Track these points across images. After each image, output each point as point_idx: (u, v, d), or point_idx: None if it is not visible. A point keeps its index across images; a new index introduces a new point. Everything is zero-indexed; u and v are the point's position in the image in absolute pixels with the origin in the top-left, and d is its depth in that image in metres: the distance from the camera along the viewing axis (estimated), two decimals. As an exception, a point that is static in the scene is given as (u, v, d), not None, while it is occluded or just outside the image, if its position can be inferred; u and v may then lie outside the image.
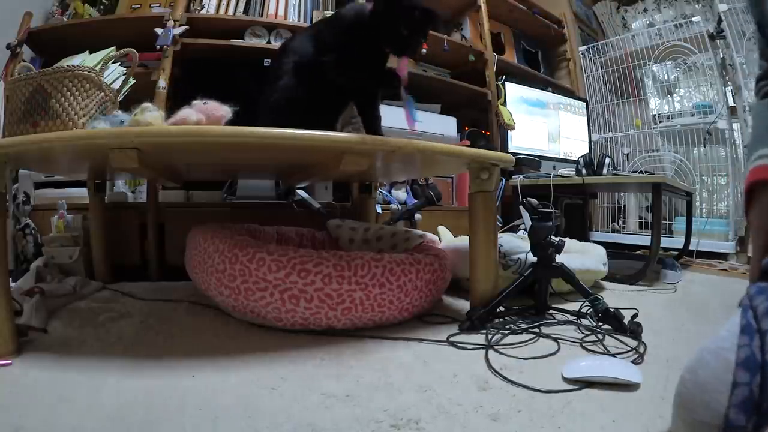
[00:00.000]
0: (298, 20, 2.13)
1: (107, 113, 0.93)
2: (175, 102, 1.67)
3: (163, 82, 1.79)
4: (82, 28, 1.85)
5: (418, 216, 1.91)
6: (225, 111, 0.82)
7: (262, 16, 2.09)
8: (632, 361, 0.83)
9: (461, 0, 2.60)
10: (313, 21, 2.13)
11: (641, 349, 0.89)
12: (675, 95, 2.82)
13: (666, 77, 2.83)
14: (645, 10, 3.10)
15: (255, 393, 0.71)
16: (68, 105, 0.84)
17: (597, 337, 0.97)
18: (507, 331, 1.02)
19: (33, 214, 1.62)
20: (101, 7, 2.01)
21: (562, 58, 3.08)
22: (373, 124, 1.21)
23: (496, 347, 0.91)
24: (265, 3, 2.12)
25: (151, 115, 0.77)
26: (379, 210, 1.92)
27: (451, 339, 0.97)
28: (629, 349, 0.89)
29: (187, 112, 0.78)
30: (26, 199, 1.58)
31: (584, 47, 3.03)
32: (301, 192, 1.84)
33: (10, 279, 1.39)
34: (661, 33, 2.75)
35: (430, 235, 1.51)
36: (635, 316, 1.03)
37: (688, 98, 2.76)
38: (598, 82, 2.97)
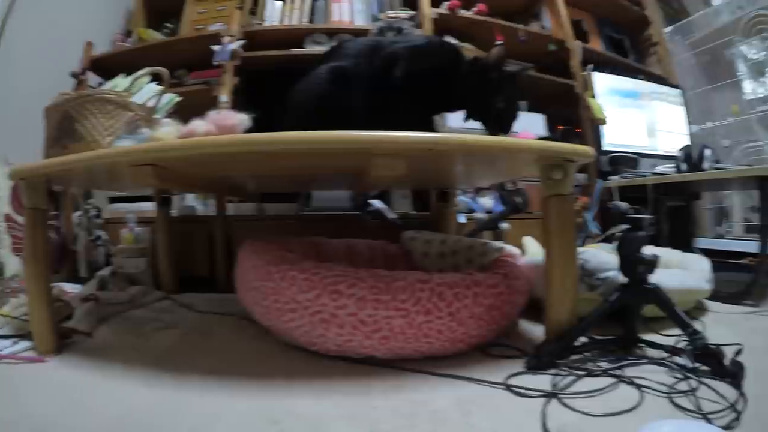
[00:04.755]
0: (362, 24, 2.09)
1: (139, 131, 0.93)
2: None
3: (224, 97, 1.83)
4: (145, 51, 1.96)
5: (504, 225, 1.74)
6: (239, 119, 0.77)
7: (326, 23, 2.09)
8: (728, 424, 0.63)
9: (533, -11, 2.41)
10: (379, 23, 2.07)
11: (740, 405, 0.68)
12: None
13: (756, 55, 2.37)
14: (721, -22, 2.67)
15: (250, 427, 0.66)
16: (91, 127, 0.89)
17: (689, 385, 0.76)
18: (582, 373, 0.83)
19: (106, 227, 1.72)
20: (165, 31, 2.11)
21: (648, 43, 2.75)
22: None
23: (561, 395, 0.74)
24: (329, 10, 2.11)
25: (164, 131, 0.74)
26: (462, 219, 1.78)
27: (510, 381, 0.81)
28: (726, 405, 0.68)
29: (195, 124, 0.74)
30: (97, 213, 1.68)
31: (669, 28, 2.70)
32: (376, 202, 1.77)
33: (80, 285, 1.48)
34: (741, 5, 2.31)
35: (510, 248, 1.32)
36: (738, 352, 0.82)
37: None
38: (689, 67, 2.60)
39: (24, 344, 0.97)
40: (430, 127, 1.13)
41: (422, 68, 1.05)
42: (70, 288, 1.45)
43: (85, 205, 1.67)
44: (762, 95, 2.36)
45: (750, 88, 2.45)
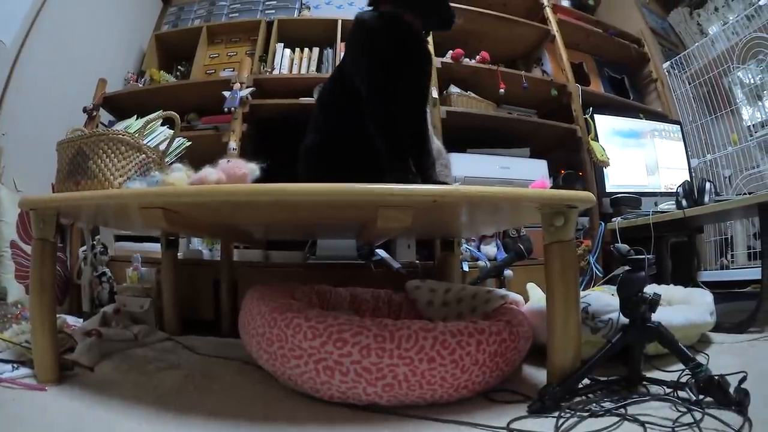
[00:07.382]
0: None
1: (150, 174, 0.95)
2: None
3: (233, 144, 1.85)
4: (156, 92, 2.01)
5: (508, 272, 1.75)
6: (248, 169, 0.80)
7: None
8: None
9: (535, 32, 2.49)
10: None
11: (745, 431, 0.70)
12: (765, 99, 2.41)
13: (752, 80, 2.42)
14: (716, 9, 2.79)
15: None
16: (104, 166, 0.90)
17: (693, 417, 0.77)
18: (585, 413, 0.83)
19: (111, 265, 1.73)
20: (177, 74, 2.16)
21: (648, 80, 2.83)
22: (424, 166, 1.08)
23: (563, 438, 0.74)
24: (337, 59, 2.16)
25: (175, 176, 0.76)
26: (465, 268, 1.79)
27: (512, 425, 0.81)
28: (732, 432, 0.69)
29: (207, 172, 0.77)
30: (104, 250, 1.70)
31: (668, 63, 2.76)
32: (380, 251, 1.80)
33: (81, 319, 1.48)
34: (736, 30, 2.40)
35: (513, 296, 1.34)
36: (743, 380, 0.82)
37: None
38: (688, 100, 2.65)
39: (24, 371, 0.98)
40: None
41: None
42: (73, 321, 1.46)
43: (92, 241, 1.70)
44: (760, 119, 2.39)
45: (748, 113, 2.50)
